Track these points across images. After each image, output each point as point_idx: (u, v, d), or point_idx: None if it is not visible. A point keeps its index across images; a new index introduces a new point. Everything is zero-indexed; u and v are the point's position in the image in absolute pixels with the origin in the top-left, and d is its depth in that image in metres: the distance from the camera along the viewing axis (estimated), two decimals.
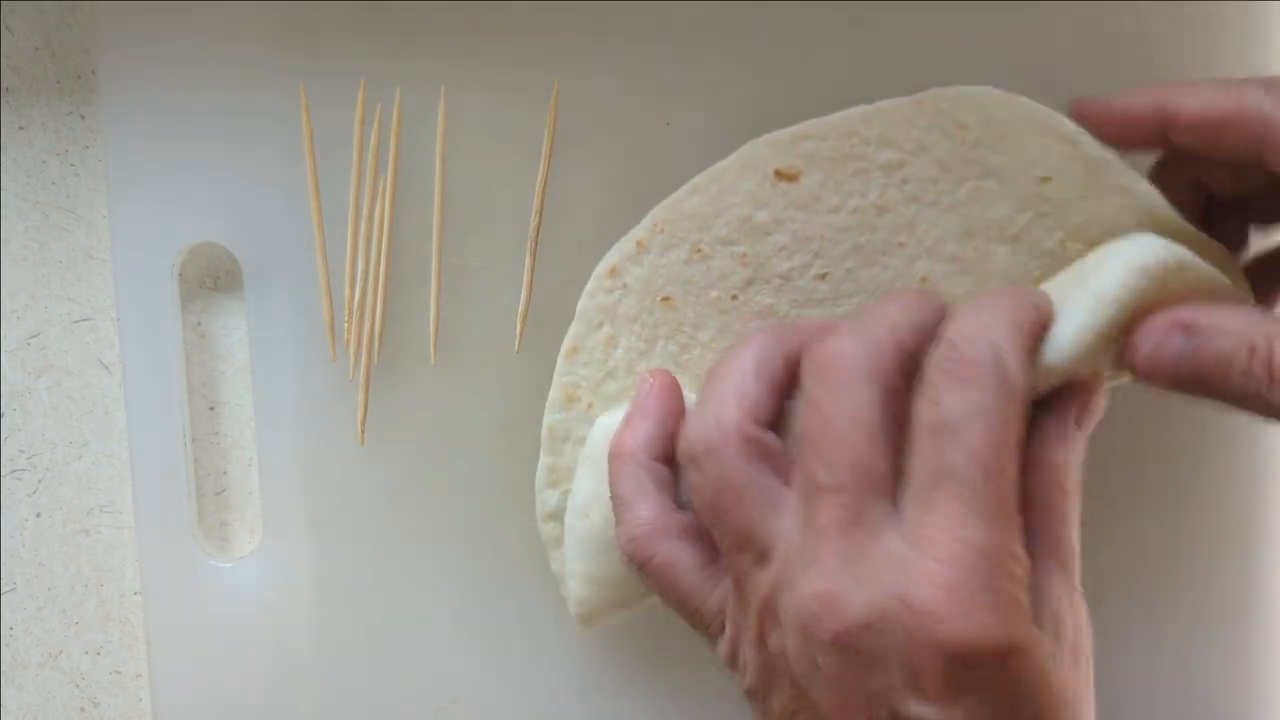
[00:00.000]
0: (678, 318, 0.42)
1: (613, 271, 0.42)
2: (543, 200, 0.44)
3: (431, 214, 0.44)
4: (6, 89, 0.46)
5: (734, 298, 0.42)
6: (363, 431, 0.44)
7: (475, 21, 0.43)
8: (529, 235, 0.44)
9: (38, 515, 0.47)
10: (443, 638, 0.45)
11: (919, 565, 0.31)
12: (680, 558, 0.37)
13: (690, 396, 0.40)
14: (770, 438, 0.36)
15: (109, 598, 0.47)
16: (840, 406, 0.33)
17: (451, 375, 0.45)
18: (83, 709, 0.47)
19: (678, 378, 0.42)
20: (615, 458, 0.39)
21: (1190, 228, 0.39)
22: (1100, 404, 0.36)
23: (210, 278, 0.46)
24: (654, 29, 0.44)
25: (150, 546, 0.45)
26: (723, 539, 0.36)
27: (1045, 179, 0.40)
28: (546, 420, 0.42)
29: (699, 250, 0.42)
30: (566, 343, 0.42)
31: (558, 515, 0.43)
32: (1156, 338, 0.34)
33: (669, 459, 0.38)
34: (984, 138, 0.41)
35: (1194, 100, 0.37)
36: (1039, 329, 0.34)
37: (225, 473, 0.47)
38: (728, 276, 0.42)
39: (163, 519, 0.45)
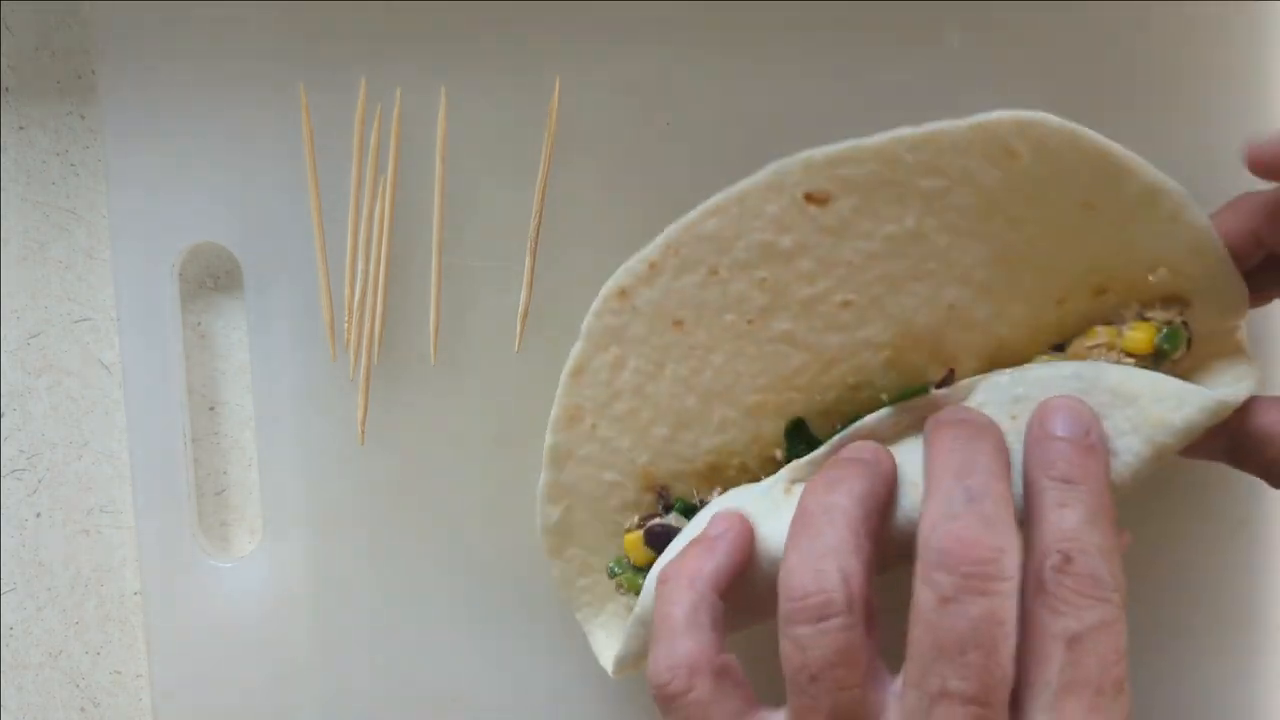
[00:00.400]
0: (689, 341, 0.41)
1: (622, 294, 0.40)
2: (543, 200, 0.44)
3: (431, 214, 0.44)
4: (6, 89, 0.46)
5: (750, 322, 0.40)
6: (363, 431, 0.44)
7: (475, 21, 0.43)
8: (529, 235, 0.44)
9: (38, 515, 0.47)
10: (442, 638, 0.45)
11: None
12: (719, 699, 0.35)
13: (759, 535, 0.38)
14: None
15: (109, 598, 0.47)
16: (980, 609, 0.32)
17: (451, 375, 0.45)
18: (83, 709, 0.47)
19: (687, 400, 0.41)
20: (672, 579, 0.37)
21: (1230, 266, 0.38)
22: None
23: (210, 278, 0.46)
24: (654, 29, 0.43)
25: (150, 546, 0.45)
26: (814, 708, 0.34)
27: (1088, 205, 0.38)
28: (549, 439, 0.41)
29: (715, 273, 0.40)
30: (570, 363, 0.41)
31: (559, 529, 0.42)
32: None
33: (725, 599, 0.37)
34: (1033, 166, 0.38)
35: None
36: (1115, 527, 0.35)
37: (225, 473, 0.47)
38: (745, 301, 0.40)
39: (163, 519, 0.45)
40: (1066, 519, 0.34)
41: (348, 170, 0.43)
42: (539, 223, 0.44)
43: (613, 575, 0.42)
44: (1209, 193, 0.44)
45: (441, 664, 0.46)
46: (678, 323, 0.40)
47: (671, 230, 0.40)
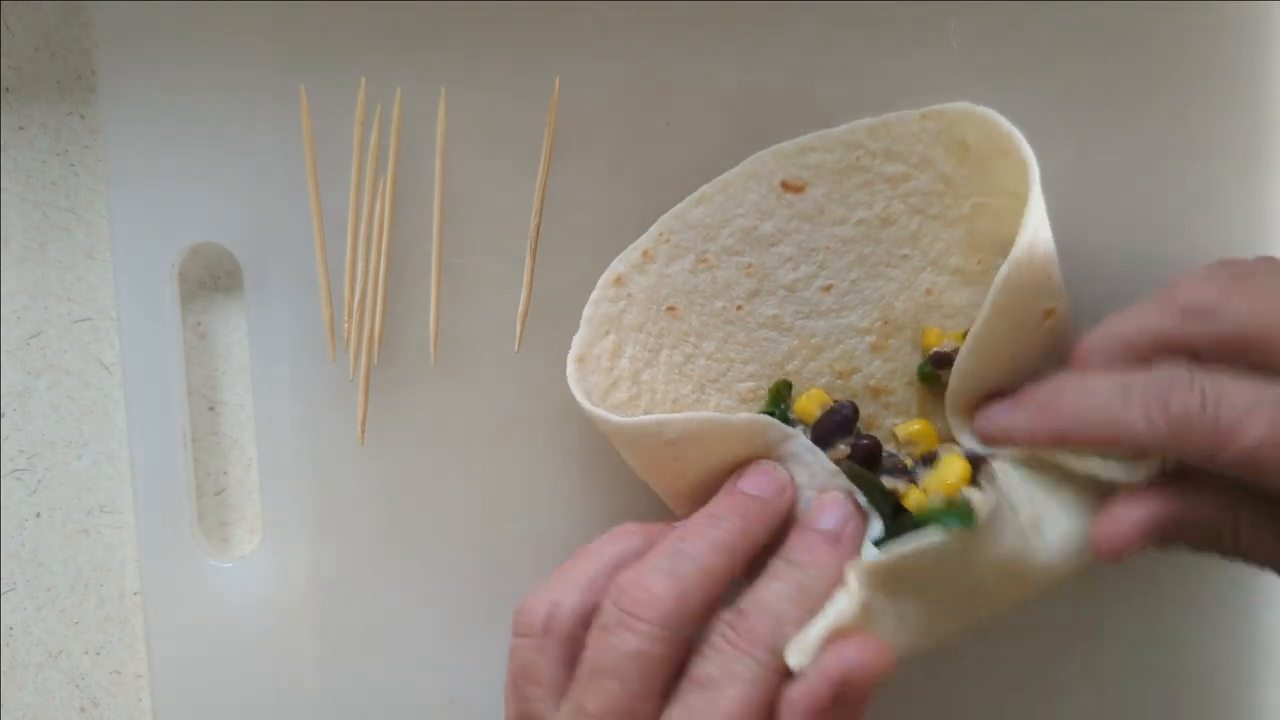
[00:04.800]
0: (683, 327, 0.42)
1: (618, 281, 0.42)
2: (543, 200, 0.44)
3: (431, 214, 0.44)
4: (6, 89, 0.46)
5: (739, 308, 0.42)
6: (363, 431, 0.44)
7: (475, 21, 0.43)
8: (529, 235, 0.44)
9: (38, 515, 0.47)
10: (441, 638, 0.45)
11: None
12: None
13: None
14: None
15: (109, 598, 0.47)
16: (628, 645, 0.35)
17: (451, 375, 0.45)
18: (83, 709, 0.47)
19: (683, 388, 0.42)
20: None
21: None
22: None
23: (210, 278, 0.46)
24: (654, 29, 0.44)
25: (150, 546, 0.45)
26: (509, 712, 0.38)
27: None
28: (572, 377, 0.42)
29: (704, 260, 0.42)
30: (573, 350, 0.41)
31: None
32: (1131, 541, 0.36)
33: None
34: (987, 156, 0.40)
35: (1078, 426, 0.36)
36: (814, 608, 0.36)
37: (225, 473, 0.47)
38: (733, 287, 0.42)
39: (163, 519, 0.45)
40: (769, 588, 0.36)
41: (348, 170, 0.43)
42: (539, 223, 0.44)
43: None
44: (1209, 192, 0.45)
45: (440, 665, 0.46)
46: (671, 309, 0.42)
47: (663, 219, 0.42)
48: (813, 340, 0.43)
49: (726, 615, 0.36)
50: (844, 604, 0.35)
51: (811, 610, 0.35)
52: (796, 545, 0.38)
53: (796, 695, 0.34)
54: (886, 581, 0.35)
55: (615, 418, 0.39)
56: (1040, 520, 0.37)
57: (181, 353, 0.45)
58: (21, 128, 0.46)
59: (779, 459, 0.39)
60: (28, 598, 0.47)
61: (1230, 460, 0.34)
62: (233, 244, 0.44)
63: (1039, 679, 0.46)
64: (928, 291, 0.42)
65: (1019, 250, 0.37)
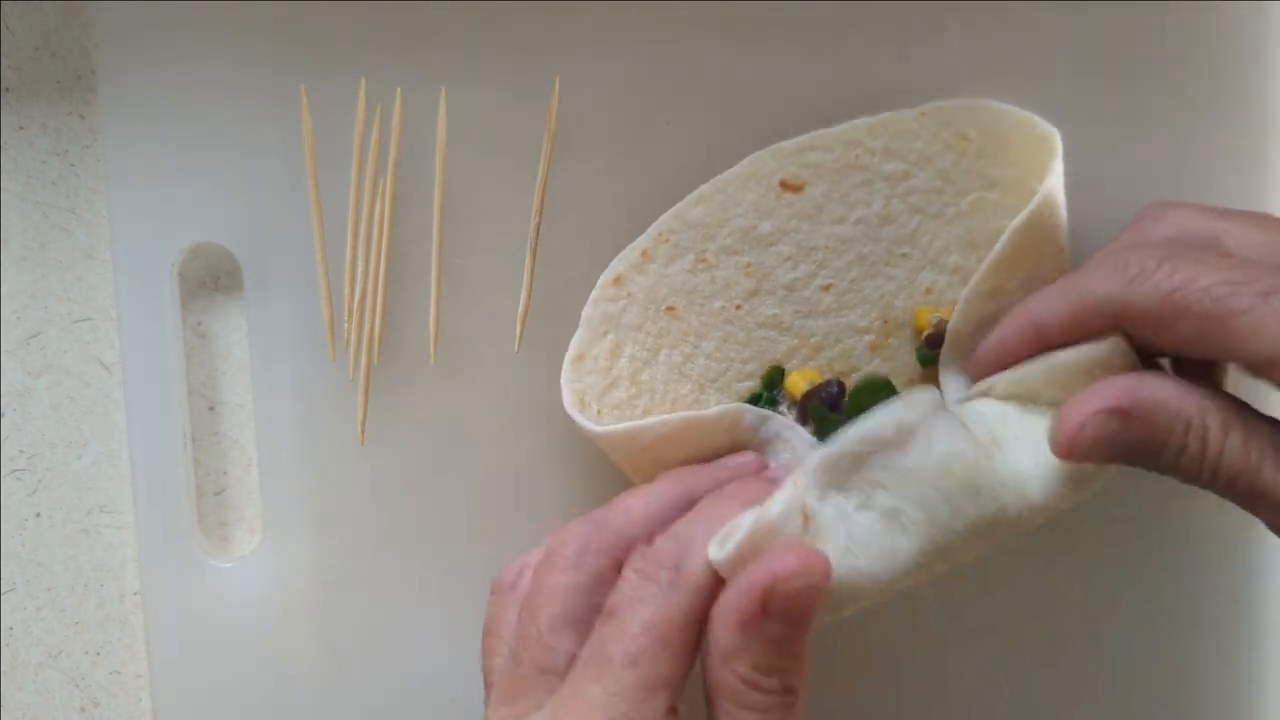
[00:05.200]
0: (682, 327, 0.42)
1: (617, 280, 0.42)
2: (543, 200, 0.44)
3: (431, 214, 0.44)
4: (6, 89, 0.46)
5: (738, 308, 0.42)
6: (363, 431, 0.44)
7: (475, 21, 0.43)
8: (529, 235, 0.44)
9: (38, 515, 0.47)
10: (442, 638, 0.45)
11: None
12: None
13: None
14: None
15: (109, 598, 0.47)
16: (548, 583, 0.36)
17: (451, 375, 0.45)
18: (83, 709, 0.47)
19: (682, 388, 0.42)
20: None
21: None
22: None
23: (210, 278, 0.46)
24: (654, 29, 0.44)
25: (150, 546, 0.45)
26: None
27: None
28: (567, 388, 0.42)
29: (704, 260, 0.42)
30: (571, 350, 0.42)
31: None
32: (1090, 424, 0.34)
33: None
34: (986, 149, 0.41)
35: (1049, 314, 0.36)
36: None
37: (225, 473, 0.47)
38: (732, 286, 0.42)
39: (163, 519, 0.45)
40: (681, 520, 0.36)
41: (348, 170, 0.43)
42: (539, 223, 0.44)
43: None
44: (1208, 191, 0.45)
45: (440, 664, 0.46)
46: (670, 309, 0.42)
47: (662, 219, 0.42)
48: (812, 339, 0.43)
49: (638, 549, 0.35)
50: (777, 501, 0.33)
51: (708, 525, 0.35)
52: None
53: (724, 603, 0.33)
54: (826, 487, 0.34)
55: (591, 425, 0.39)
56: (1006, 441, 0.36)
57: (181, 353, 0.45)
58: (21, 128, 0.46)
59: (761, 443, 0.39)
60: (28, 598, 0.47)
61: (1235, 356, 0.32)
62: (233, 244, 0.44)
63: (1034, 639, 0.46)
64: (927, 290, 0.42)
65: (1035, 204, 0.37)
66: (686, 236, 0.42)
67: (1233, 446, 0.33)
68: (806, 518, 0.33)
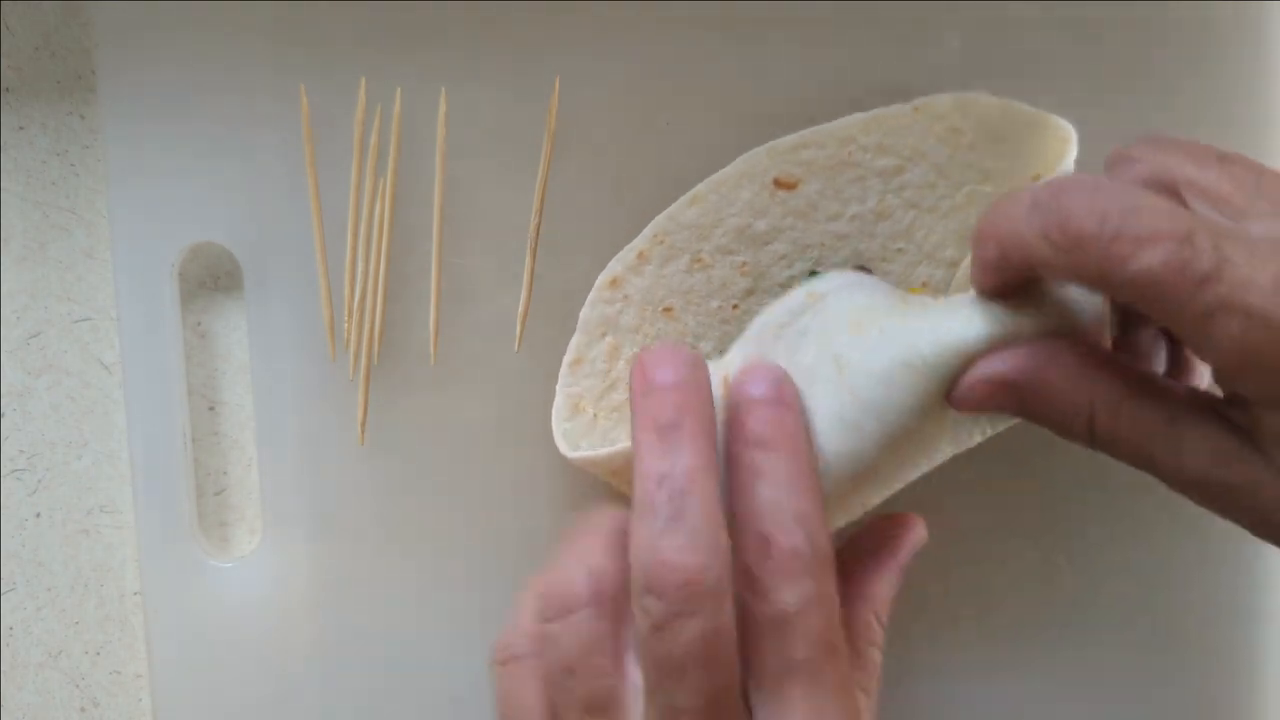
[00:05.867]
0: (679, 328, 0.42)
1: (614, 283, 0.42)
2: (543, 200, 0.44)
3: (431, 214, 0.44)
4: (6, 89, 0.46)
5: (735, 307, 0.42)
6: (363, 431, 0.44)
7: (475, 21, 0.43)
8: (529, 235, 0.44)
9: (38, 515, 0.47)
10: (442, 638, 0.45)
11: None
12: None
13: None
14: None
15: (109, 598, 0.47)
16: (693, 631, 0.31)
17: (451, 375, 0.45)
18: (83, 709, 0.47)
19: None
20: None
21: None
22: (921, 536, 0.39)
23: (210, 278, 0.46)
24: (654, 29, 0.44)
25: (150, 546, 0.45)
26: (570, 702, 0.34)
27: (1037, 177, 0.40)
28: (557, 427, 0.42)
29: (699, 260, 0.42)
30: (569, 354, 0.42)
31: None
32: (980, 390, 0.34)
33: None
34: (979, 142, 0.41)
35: (990, 240, 0.34)
36: (817, 482, 0.34)
37: (225, 473, 0.47)
38: (728, 286, 0.42)
39: (163, 519, 0.45)
40: (761, 491, 0.33)
41: (348, 170, 0.43)
42: (539, 223, 0.44)
43: None
44: None
45: (440, 665, 0.46)
46: (667, 309, 0.42)
47: (657, 220, 0.42)
48: None
49: (751, 550, 0.33)
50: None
51: (808, 486, 0.33)
52: (745, 423, 0.34)
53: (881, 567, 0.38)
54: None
55: (563, 449, 0.40)
56: (928, 304, 0.36)
57: (181, 353, 0.45)
58: (21, 128, 0.46)
59: None
60: (28, 598, 0.47)
61: (1119, 284, 0.31)
62: (233, 244, 0.44)
63: (1032, 638, 0.46)
64: (924, 284, 0.42)
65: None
66: (682, 237, 0.42)
67: (1121, 431, 0.33)
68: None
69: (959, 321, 0.34)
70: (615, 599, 0.34)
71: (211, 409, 0.46)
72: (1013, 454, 0.42)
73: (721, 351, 0.43)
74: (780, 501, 0.33)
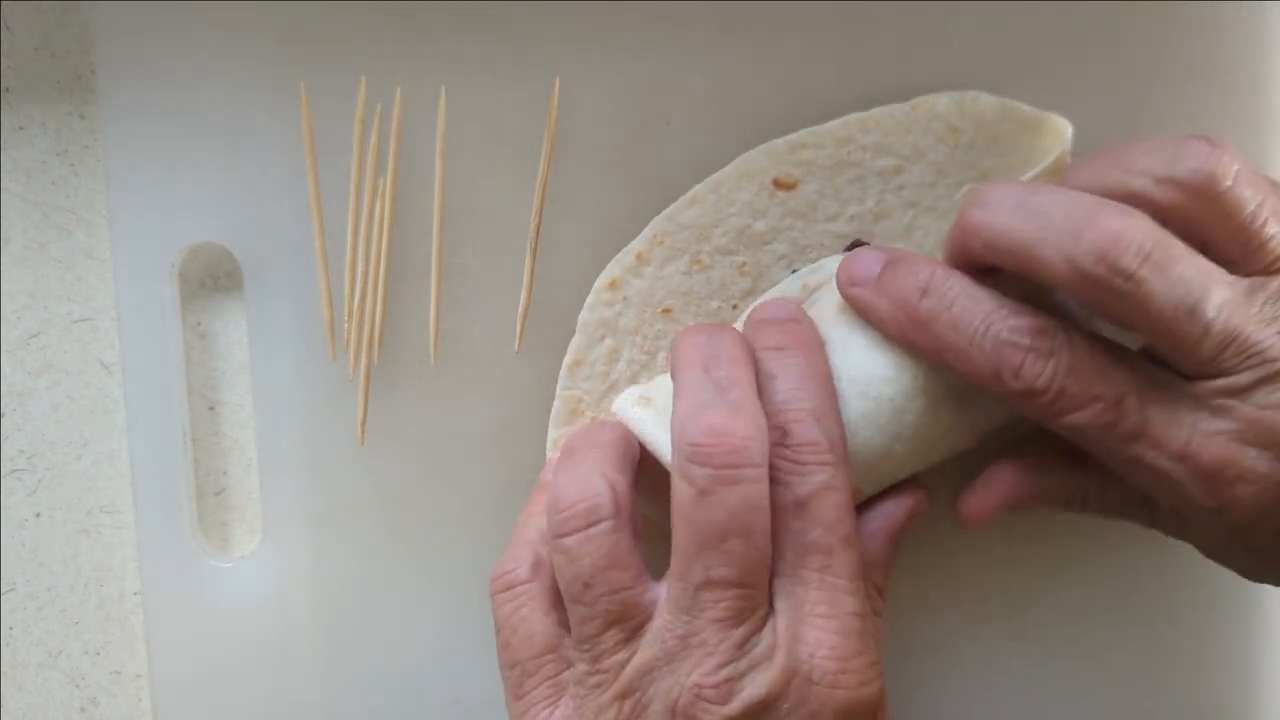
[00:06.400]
0: (679, 329, 0.42)
1: (613, 284, 0.42)
2: (543, 200, 0.44)
3: (431, 214, 0.44)
4: (6, 89, 0.46)
5: (734, 308, 0.42)
6: (363, 431, 0.44)
7: (475, 21, 0.43)
8: (529, 235, 0.44)
9: (38, 515, 0.47)
10: (442, 638, 0.45)
11: (810, 639, 0.34)
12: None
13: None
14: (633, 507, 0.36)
15: (109, 598, 0.47)
16: (736, 498, 0.34)
17: (451, 375, 0.45)
18: (83, 709, 0.47)
19: None
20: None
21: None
22: (919, 507, 0.39)
23: (210, 278, 0.46)
24: (654, 29, 0.44)
25: (150, 546, 0.45)
26: (590, 615, 0.35)
27: (1035, 178, 0.40)
28: (551, 434, 0.42)
29: (699, 261, 0.42)
30: (568, 357, 0.42)
31: None
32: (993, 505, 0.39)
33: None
34: (977, 140, 0.41)
35: (934, 343, 0.37)
36: (831, 385, 0.37)
37: (225, 473, 0.47)
38: (728, 286, 0.42)
39: (163, 519, 0.45)
40: (778, 390, 0.36)
41: (348, 170, 0.43)
42: (539, 223, 0.44)
43: None
44: None
45: (440, 665, 0.46)
46: (666, 311, 0.42)
47: (656, 221, 0.42)
48: None
49: (772, 443, 0.35)
50: None
51: (822, 387, 0.36)
52: (761, 335, 0.38)
53: (875, 526, 0.38)
54: None
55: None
56: None
57: (181, 353, 0.45)
58: (21, 128, 0.46)
59: None
60: (28, 598, 0.47)
61: (1062, 431, 0.35)
62: (233, 244, 0.44)
63: (1031, 637, 0.46)
64: None
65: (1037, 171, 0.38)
66: (681, 238, 0.42)
67: (1110, 501, 0.39)
68: None
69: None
70: (630, 509, 0.36)
71: (211, 409, 0.46)
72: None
73: None
74: (796, 397, 0.35)
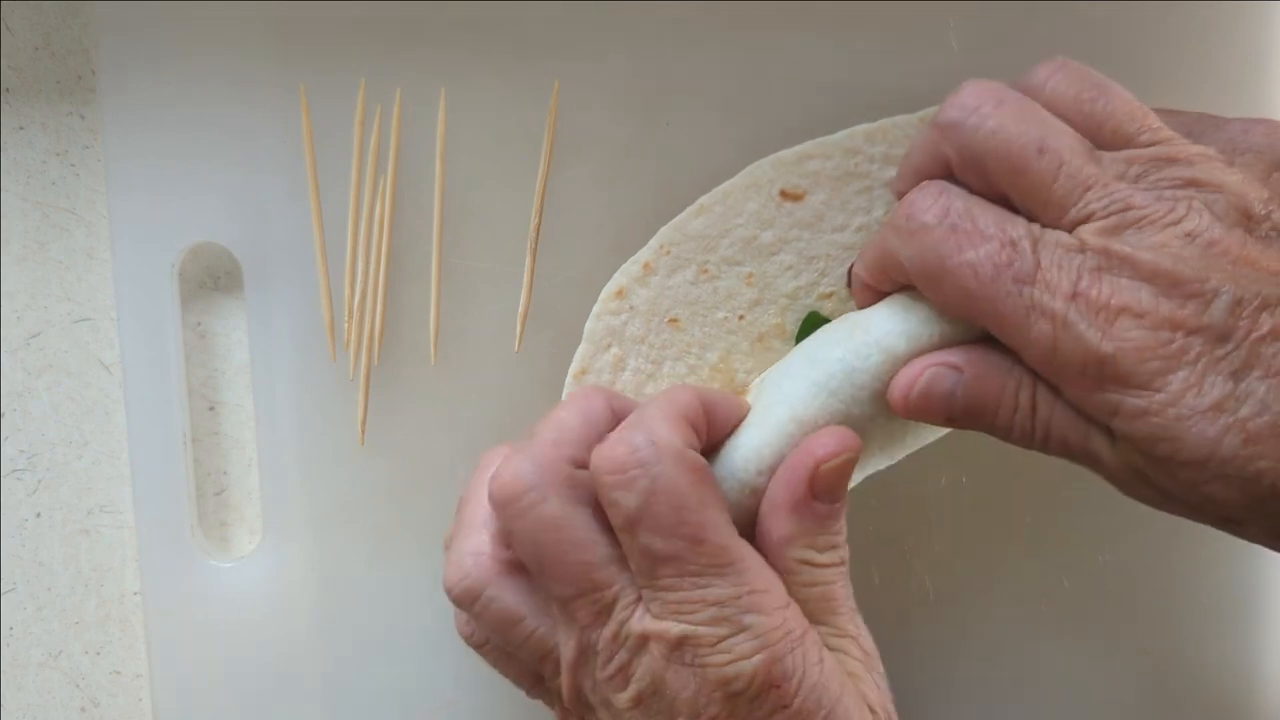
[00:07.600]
0: (685, 339, 0.42)
1: (619, 294, 0.42)
2: (543, 200, 0.44)
3: (431, 214, 0.44)
4: (6, 89, 0.46)
5: (741, 318, 0.42)
6: (363, 431, 0.44)
7: (475, 21, 0.43)
8: (529, 235, 0.44)
9: (38, 515, 0.47)
10: (440, 640, 0.45)
11: (677, 630, 0.34)
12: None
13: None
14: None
15: (109, 598, 0.47)
16: (529, 526, 0.35)
17: (451, 375, 0.45)
18: (83, 709, 0.47)
19: None
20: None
21: None
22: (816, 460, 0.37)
23: (210, 278, 0.46)
24: (654, 29, 0.44)
25: (150, 546, 0.45)
26: (560, 586, 0.35)
27: None
28: None
29: (705, 271, 0.42)
30: (574, 365, 0.42)
31: None
32: (923, 378, 0.36)
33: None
34: None
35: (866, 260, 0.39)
36: (698, 408, 0.36)
37: (225, 473, 0.47)
38: (734, 297, 0.42)
39: (163, 519, 0.45)
40: (629, 421, 0.36)
41: (348, 170, 0.43)
42: (539, 223, 0.44)
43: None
44: None
45: (438, 666, 0.46)
46: (673, 320, 0.42)
47: (663, 231, 0.42)
48: None
49: (593, 464, 0.35)
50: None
51: (679, 404, 0.36)
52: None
53: (773, 494, 0.36)
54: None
55: None
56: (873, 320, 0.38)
57: (181, 353, 0.45)
58: (21, 128, 0.46)
59: None
60: (28, 598, 0.47)
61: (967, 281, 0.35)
62: (233, 244, 0.44)
63: (1029, 637, 0.46)
64: None
65: None
66: (688, 248, 0.42)
67: (1062, 410, 0.35)
68: None
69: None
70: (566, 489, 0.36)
71: (211, 409, 0.46)
72: (1011, 454, 0.42)
73: (725, 363, 0.42)
74: (633, 421, 0.35)
